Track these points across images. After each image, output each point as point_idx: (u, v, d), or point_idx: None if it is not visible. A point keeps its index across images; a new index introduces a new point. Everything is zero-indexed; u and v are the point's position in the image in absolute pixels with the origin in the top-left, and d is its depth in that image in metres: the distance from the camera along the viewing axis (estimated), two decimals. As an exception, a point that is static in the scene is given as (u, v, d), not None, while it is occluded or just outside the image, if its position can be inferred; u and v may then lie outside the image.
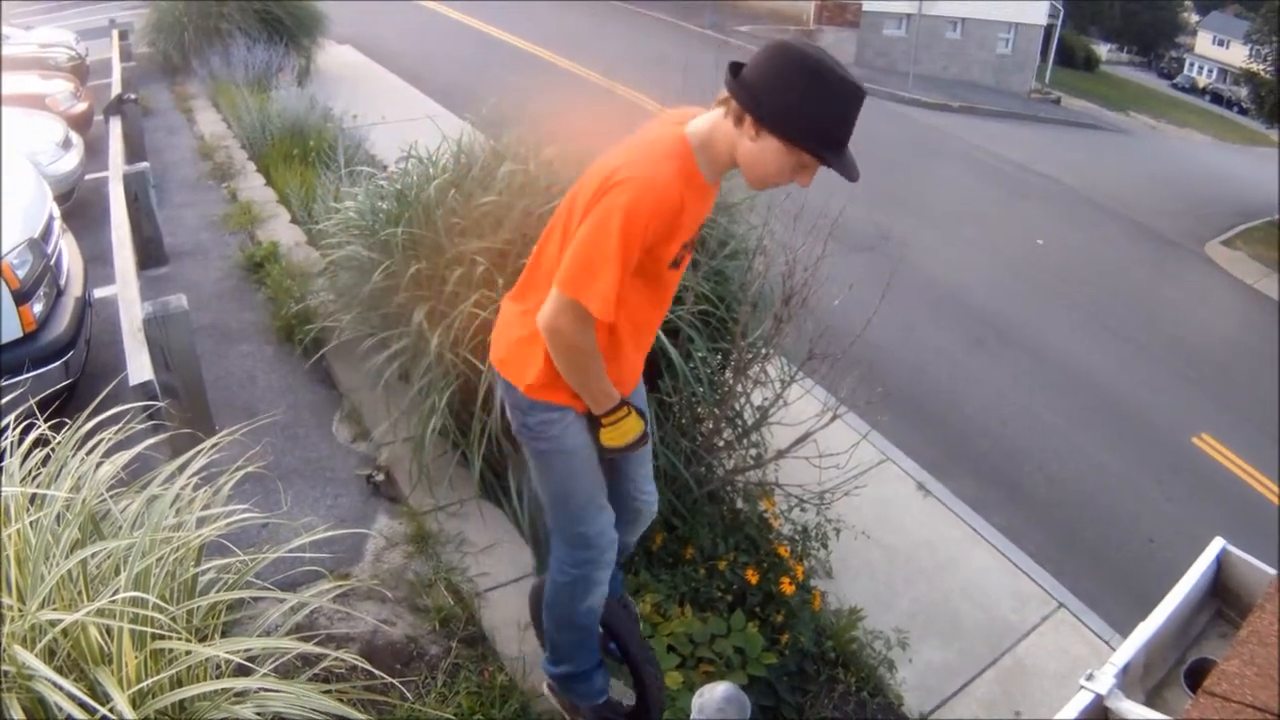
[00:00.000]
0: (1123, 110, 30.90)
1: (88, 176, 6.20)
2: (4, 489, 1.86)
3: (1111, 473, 6.43)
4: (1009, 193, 13.79)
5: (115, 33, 9.29)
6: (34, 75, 7.97)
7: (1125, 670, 1.53)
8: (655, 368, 3.11)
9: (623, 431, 1.98)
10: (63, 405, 3.03)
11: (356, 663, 1.92)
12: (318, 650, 1.85)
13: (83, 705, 1.52)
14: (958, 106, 19.69)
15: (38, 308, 3.44)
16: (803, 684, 3.33)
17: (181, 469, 2.08)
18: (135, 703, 1.61)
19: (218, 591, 1.95)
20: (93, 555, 1.80)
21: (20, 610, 1.66)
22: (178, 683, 1.69)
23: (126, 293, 3.40)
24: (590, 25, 18.06)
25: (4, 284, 3.27)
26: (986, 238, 11.14)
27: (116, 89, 7.38)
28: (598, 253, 1.68)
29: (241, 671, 1.77)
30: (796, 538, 3.72)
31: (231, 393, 3.99)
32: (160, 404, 2.71)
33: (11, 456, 1.99)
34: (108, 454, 2.06)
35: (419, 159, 3.80)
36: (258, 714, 1.69)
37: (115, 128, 6.21)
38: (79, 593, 1.75)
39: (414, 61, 12.36)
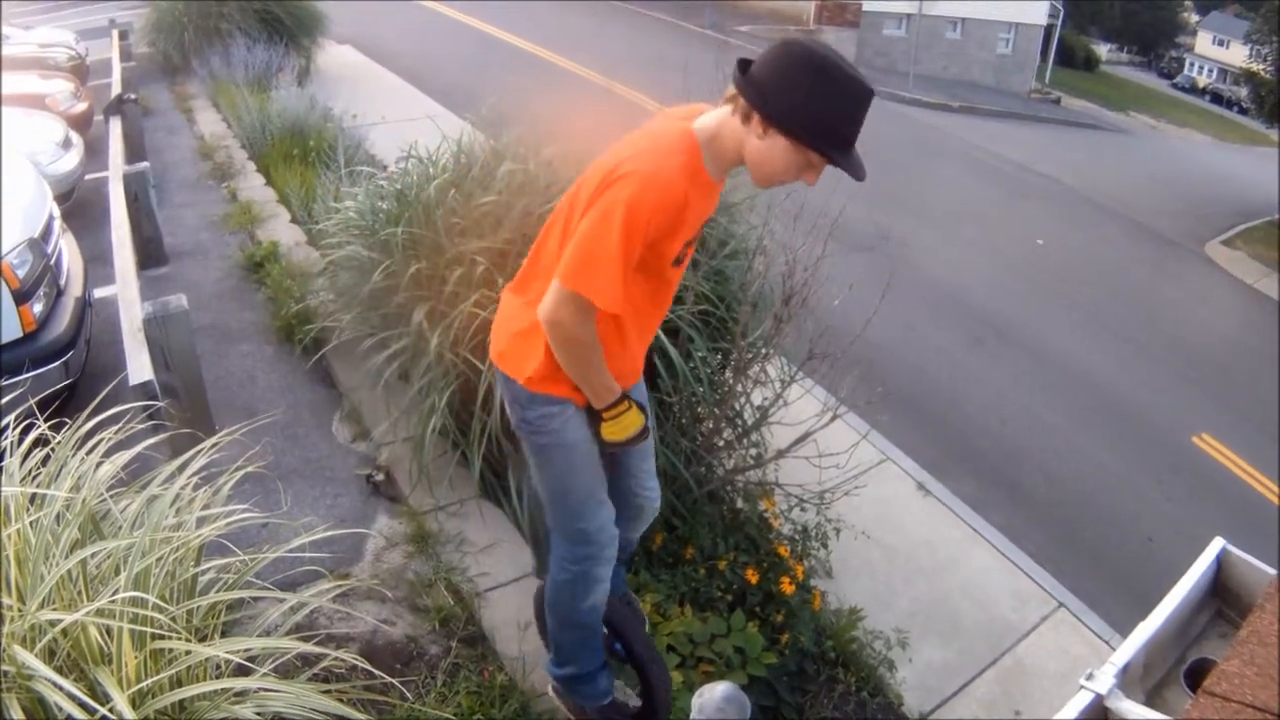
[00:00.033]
0: (1123, 110, 30.90)
1: (88, 176, 6.20)
2: (4, 489, 1.86)
3: (1111, 472, 6.43)
4: (1009, 193, 13.78)
5: (115, 33, 9.29)
6: (34, 75, 7.96)
7: (1125, 670, 1.52)
8: (655, 367, 3.11)
9: (623, 426, 1.97)
10: (63, 405, 3.03)
11: (356, 662, 1.92)
12: (317, 650, 1.85)
13: (82, 705, 1.52)
14: (958, 106, 19.69)
15: (38, 308, 3.44)
16: (803, 684, 3.33)
17: (181, 469, 2.08)
18: (135, 703, 1.61)
19: (217, 591, 1.95)
20: (92, 555, 1.80)
21: (20, 610, 1.66)
22: (177, 683, 1.69)
23: (126, 293, 3.40)
24: (590, 25, 18.06)
25: (4, 284, 3.27)
26: (986, 238, 11.14)
27: (116, 89, 7.37)
28: (600, 245, 1.67)
29: (241, 671, 1.77)
30: (796, 537, 3.72)
31: (231, 393, 3.99)
32: (160, 404, 2.71)
33: (11, 456, 1.99)
34: (107, 454, 2.06)
35: (419, 159, 3.80)
36: (257, 714, 1.69)
37: (115, 128, 6.21)
38: (79, 593, 1.75)
39: (414, 61, 12.36)
